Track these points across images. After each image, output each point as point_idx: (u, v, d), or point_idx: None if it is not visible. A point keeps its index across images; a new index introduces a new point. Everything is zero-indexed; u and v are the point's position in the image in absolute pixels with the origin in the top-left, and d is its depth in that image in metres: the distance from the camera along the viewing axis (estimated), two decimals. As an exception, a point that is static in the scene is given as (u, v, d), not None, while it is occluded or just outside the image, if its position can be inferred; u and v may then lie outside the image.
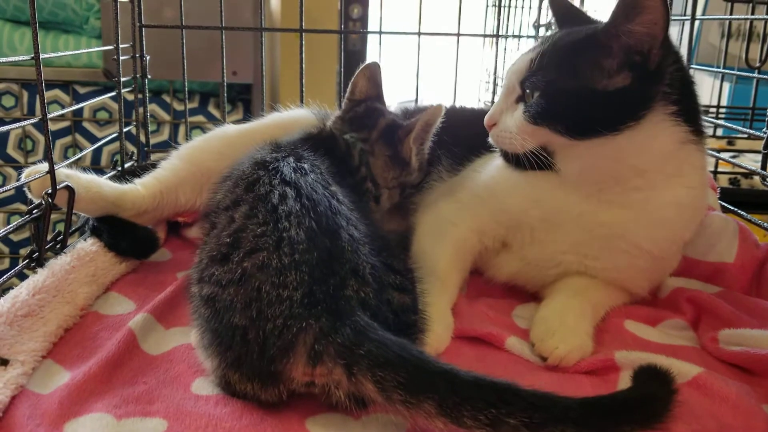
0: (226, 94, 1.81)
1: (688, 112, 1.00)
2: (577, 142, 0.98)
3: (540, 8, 2.07)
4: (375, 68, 1.23)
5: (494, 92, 1.92)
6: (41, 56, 1.01)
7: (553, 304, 1.06)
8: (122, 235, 1.21)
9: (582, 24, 1.08)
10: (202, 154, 1.33)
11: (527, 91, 1.02)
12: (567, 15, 1.13)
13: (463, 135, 1.26)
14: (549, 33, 1.11)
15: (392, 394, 0.70)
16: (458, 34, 1.72)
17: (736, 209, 1.36)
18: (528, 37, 2.30)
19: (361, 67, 1.23)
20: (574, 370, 0.94)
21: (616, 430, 0.71)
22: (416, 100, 1.72)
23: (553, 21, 1.16)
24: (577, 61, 0.98)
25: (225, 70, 1.75)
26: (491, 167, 1.16)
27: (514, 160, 1.07)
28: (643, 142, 0.98)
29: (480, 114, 1.14)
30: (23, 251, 2.46)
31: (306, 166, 0.94)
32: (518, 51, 2.59)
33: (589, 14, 1.16)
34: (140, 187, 1.27)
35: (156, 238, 1.27)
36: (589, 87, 0.97)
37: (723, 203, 1.39)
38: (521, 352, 0.98)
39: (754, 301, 1.11)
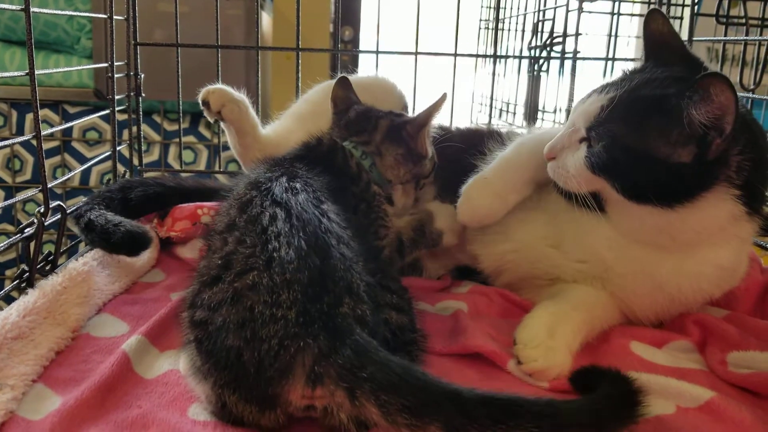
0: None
1: (751, 195, 0.96)
2: (629, 202, 0.97)
3: (534, 31, 2.08)
4: (346, 80, 1.28)
5: (491, 114, 1.92)
6: (36, 72, 1.00)
7: (552, 308, 1.04)
8: (114, 231, 1.19)
9: (675, 57, 1.04)
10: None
11: (593, 136, 0.99)
12: (659, 43, 1.07)
13: None
14: (630, 70, 1.06)
15: (397, 417, 0.69)
16: (455, 54, 1.72)
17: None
18: (523, 58, 2.31)
19: (334, 83, 1.27)
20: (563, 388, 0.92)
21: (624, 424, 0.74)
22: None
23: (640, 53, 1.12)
24: (646, 122, 0.94)
25: (220, 89, 1.73)
26: None
27: (567, 194, 1.06)
28: (696, 220, 0.96)
29: None
30: (9, 272, 2.42)
31: (298, 185, 0.94)
32: (511, 74, 2.60)
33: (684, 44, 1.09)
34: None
35: (149, 238, 1.25)
36: (652, 154, 0.93)
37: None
38: (522, 376, 0.96)
39: (761, 323, 1.10)
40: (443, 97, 1.21)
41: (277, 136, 1.49)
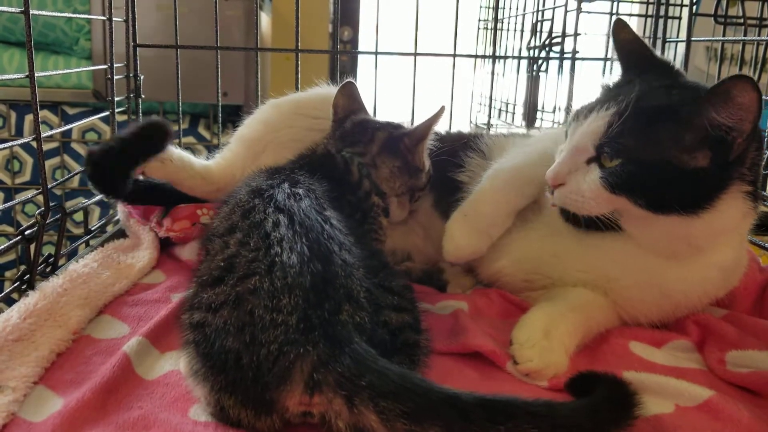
0: (219, 115, 1.80)
1: (755, 189, 0.98)
2: (653, 216, 0.96)
3: (533, 31, 2.08)
4: (351, 86, 1.26)
5: (490, 114, 1.92)
6: (36, 74, 1.00)
7: (549, 309, 1.04)
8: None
9: (646, 64, 1.05)
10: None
11: (605, 154, 0.97)
12: (631, 52, 1.08)
13: None
14: (614, 84, 1.07)
15: (396, 423, 0.69)
16: (454, 55, 1.72)
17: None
18: (522, 58, 2.31)
19: (338, 88, 1.25)
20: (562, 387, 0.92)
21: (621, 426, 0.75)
22: (412, 120, 1.72)
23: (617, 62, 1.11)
24: (658, 132, 0.94)
25: (219, 90, 1.73)
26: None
27: (576, 220, 1.03)
28: (717, 222, 0.95)
29: None
30: (9, 274, 2.42)
31: (301, 191, 0.94)
32: (510, 74, 2.60)
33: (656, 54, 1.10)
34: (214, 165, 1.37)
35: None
36: (670, 162, 0.93)
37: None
38: (519, 376, 0.96)
39: (760, 322, 1.10)
40: (442, 110, 1.20)
41: (223, 169, 1.38)
